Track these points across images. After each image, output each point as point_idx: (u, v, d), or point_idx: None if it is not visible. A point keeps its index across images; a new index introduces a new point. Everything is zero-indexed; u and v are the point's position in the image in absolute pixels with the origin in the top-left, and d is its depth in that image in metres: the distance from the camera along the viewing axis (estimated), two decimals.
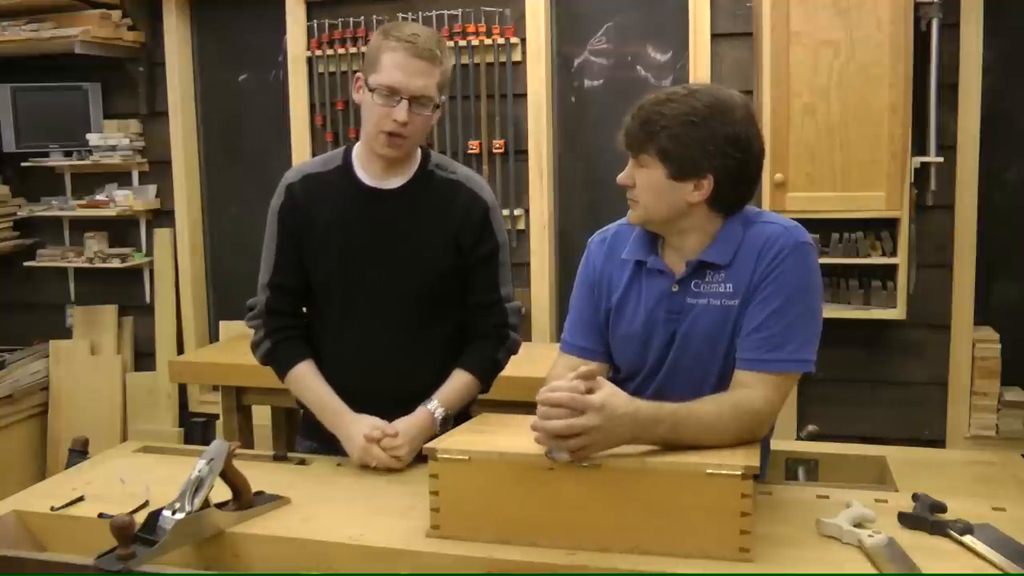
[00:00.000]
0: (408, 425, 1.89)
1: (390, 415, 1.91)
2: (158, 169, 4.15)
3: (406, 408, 1.92)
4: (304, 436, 2.11)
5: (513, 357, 2.08)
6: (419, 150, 1.99)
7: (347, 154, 2.00)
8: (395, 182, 1.96)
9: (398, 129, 1.84)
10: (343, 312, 1.99)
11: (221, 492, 1.60)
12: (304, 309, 2.07)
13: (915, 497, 1.56)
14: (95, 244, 4.15)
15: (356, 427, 1.89)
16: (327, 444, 1.98)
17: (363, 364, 1.97)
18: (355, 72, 1.92)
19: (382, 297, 1.96)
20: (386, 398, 1.93)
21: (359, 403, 1.94)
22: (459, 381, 1.98)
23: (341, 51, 3.75)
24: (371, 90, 1.85)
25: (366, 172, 1.97)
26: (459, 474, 1.49)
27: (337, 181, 1.98)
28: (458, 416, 1.98)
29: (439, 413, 1.92)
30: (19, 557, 1.56)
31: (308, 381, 1.98)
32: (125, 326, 4.29)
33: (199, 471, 1.55)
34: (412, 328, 1.98)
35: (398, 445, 1.85)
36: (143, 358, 4.28)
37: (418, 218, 1.95)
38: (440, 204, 1.96)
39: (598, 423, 1.42)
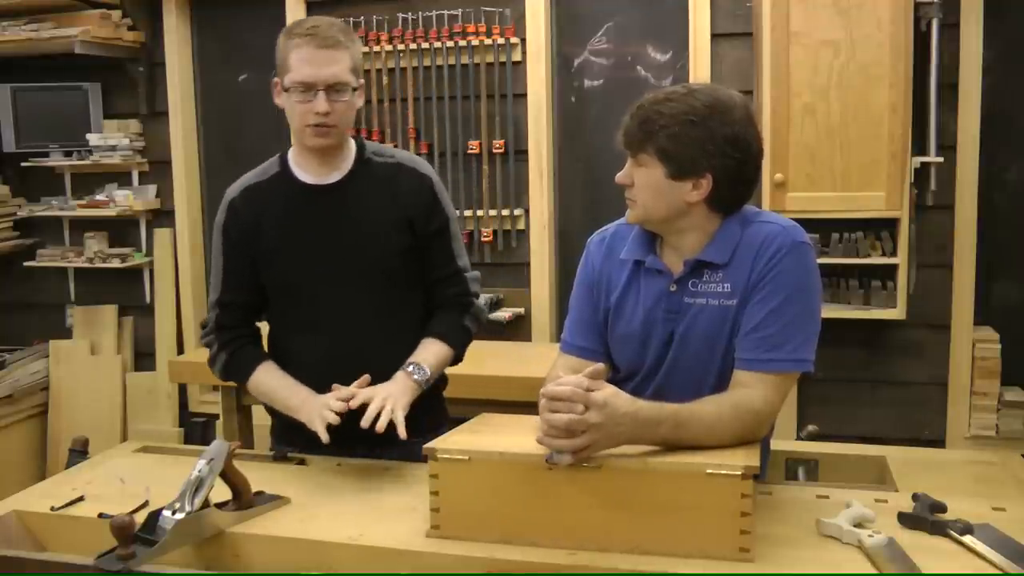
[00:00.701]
0: (387, 388, 1.86)
1: (360, 412, 1.87)
2: (158, 169, 4.15)
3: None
4: (280, 444, 2.07)
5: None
6: (353, 142, 2.01)
7: (283, 159, 2.02)
8: (334, 176, 1.97)
9: (322, 120, 1.86)
10: (307, 313, 1.99)
11: (221, 492, 1.60)
12: (256, 322, 2.07)
13: (915, 497, 1.56)
14: (95, 244, 4.15)
15: (321, 400, 1.85)
16: (304, 451, 1.96)
17: (334, 362, 1.95)
18: (273, 79, 1.95)
19: (343, 291, 1.96)
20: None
21: None
22: (427, 344, 1.98)
23: None
24: (286, 90, 1.89)
25: (304, 171, 1.98)
26: (459, 474, 1.49)
27: (278, 187, 1.99)
28: (432, 391, 1.97)
29: (411, 367, 1.90)
30: (19, 557, 1.56)
31: (270, 380, 1.97)
32: (125, 326, 4.29)
33: (199, 471, 1.55)
34: (379, 318, 1.98)
35: (381, 398, 1.81)
36: (143, 358, 4.28)
37: (364, 206, 1.96)
38: (384, 188, 1.97)
39: (600, 421, 1.42)
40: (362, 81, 1.96)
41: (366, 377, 1.88)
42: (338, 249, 1.95)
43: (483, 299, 2.14)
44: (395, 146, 3.53)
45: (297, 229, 1.96)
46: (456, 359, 2.06)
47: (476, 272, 2.10)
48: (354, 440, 1.83)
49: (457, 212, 2.43)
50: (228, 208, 2.02)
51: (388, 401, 1.81)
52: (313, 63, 1.85)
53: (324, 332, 1.98)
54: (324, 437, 1.78)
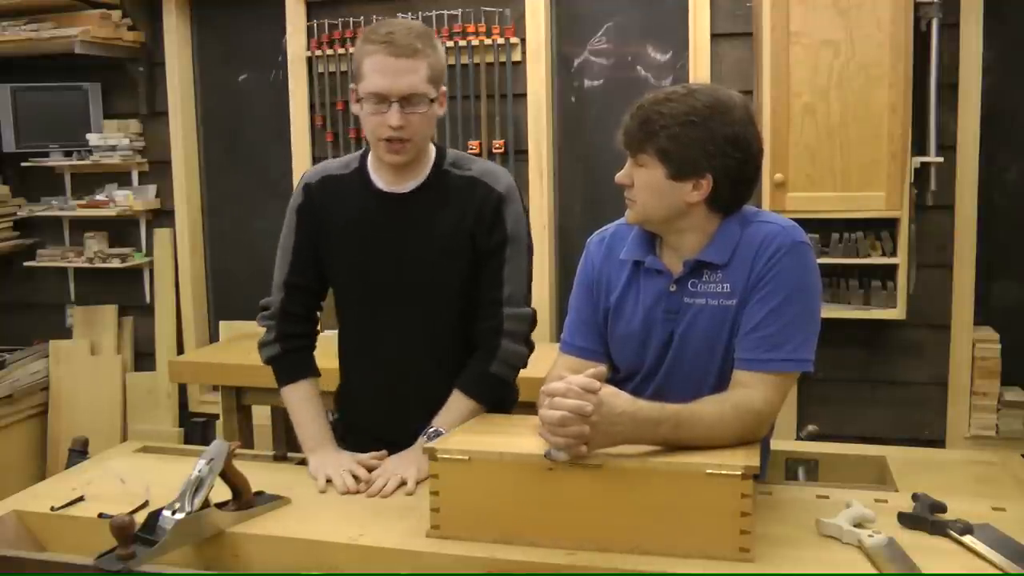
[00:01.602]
0: (400, 459, 1.83)
1: (419, 418, 1.87)
2: (158, 169, 4.15)
3: (435, 413, 1.87)
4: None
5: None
6: (433, 149, 1.93)
7: (363, 157, 1.95)
8: (409, 185, 1.89)
9: (395, 134, 1.77)
10: (362, 317, 1.96)
11: (221, 492, 1.60)
12: (317, 312, 2.03)
13: (915, 497, 1.56)
14: (95, 244, 4.15)
15: (337, 457, 1.85)
16: None
17: (384, 370, 1.94)
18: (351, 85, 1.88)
19: (400, 301, 1.91)
20: (409, 406, 1.90)
21: (381, 412, 1.92)
22: (452, 402, 1.89)
23: (341, 51, 3.74)
24: (360, 100, 1.81)
25: (379, 177, 1.91)
26: (459, 474, 1.49)
27: (354, 185, 1.93)
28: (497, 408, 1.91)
29: (431, 434, 1.82)
30: (19, 557, 1.56)
31: (301, 404, 1.95)
32: (125, 326, 4.29)
33: (199, 471, 1.55)
34: (437, 331, 1.92)
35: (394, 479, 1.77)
36: (143, 358, 4.28)
37: (433, 219, 1.88)
38: (456, 203, 1.88)
39: (596, 419, 1.42)
40: (444, 89, 1.85)
41: (383, 452, 1.86)
42: (400, 260, 1.89)
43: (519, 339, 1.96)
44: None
45: (364, 234, 1.90)
46: (487, 408, 1.91)
47: (527, 309, 1.94)
48: (389, 429, 1.87)
49: None
50: (304, 191, 1.95)
51: (399, 473, 1.78)
52: (387, 73, 1.74)
53: (377, 340, 1.94)
54: (321, 487, 1.78)
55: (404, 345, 1.93)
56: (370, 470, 1.81)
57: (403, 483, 1.76)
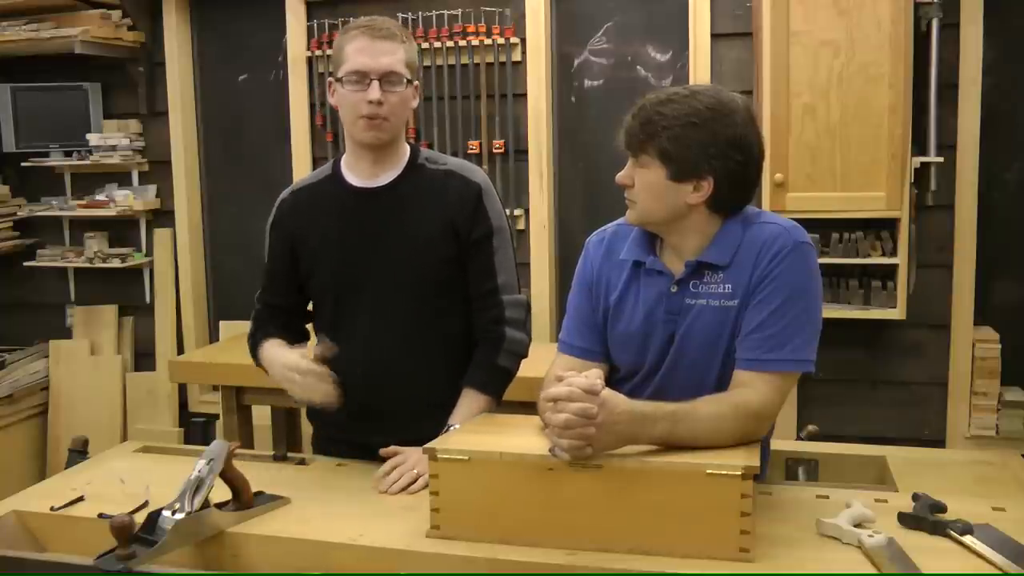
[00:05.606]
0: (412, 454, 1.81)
1: (402, 421, 1.88)
2: (158, 169, 4.15)
3: (418, 414, 1.87)
4: (319, 454, 2.06)
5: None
6: (408, 147, 1.98)
7: (336, 163, 2.01)
8: (383, 179, 1.94)
9: (375, 110, 1.84)
10: (346, 317, 1.96)
11: (221, 492, 1.60)
12: (293, 324, 2.06)
13: (915, 497, 1.56)
14: (95, 244, 4.15)
15: (291, 354, 1.84)
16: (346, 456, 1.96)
17: (370, 368, 1.94)
18: (328, 79, 1.94)
19: (382, 296, 1.93)
20: (397, 403, 1.91)
21: (371, 411, 1.91)
22: (466, 399, 1.89)
23: None
24: (340, 80, 1.87)
25: (354, 174, 1.96)
26: (459, 474, 1.50)
27: (326, 189, 1.98)
28: None
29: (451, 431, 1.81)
30: (19, 557, 1.56)
31: (267, 351, 1.94)
32: (125, 326, 4.29)
33: (199, 471, 1.55)
34: (418, 327, 1.93)
35: (408, 475, 1.78)
36: (143, 358, 4.28)
37: (411, 211, 1.92)
38: (433, 194, 1.92)
39: (600, 420, 1.42)
40: (417, 83, 1.93)
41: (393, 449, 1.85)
42: (380, 255, 1.92)
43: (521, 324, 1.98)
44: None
45: (340, 232, 1.94)
46: (497, 402, 1.94)
47: (521, 296, 1.99)
48: (370, 432, 1.87)
49: None
50: (277, 207, 2.03)
51: (418, 468, 1.77)
52: (368, 53, 1.84)
53: (361, 337, 1.94)
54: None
55: (383, 342, 1.94)
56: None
57: (414, 480, 1.76)
